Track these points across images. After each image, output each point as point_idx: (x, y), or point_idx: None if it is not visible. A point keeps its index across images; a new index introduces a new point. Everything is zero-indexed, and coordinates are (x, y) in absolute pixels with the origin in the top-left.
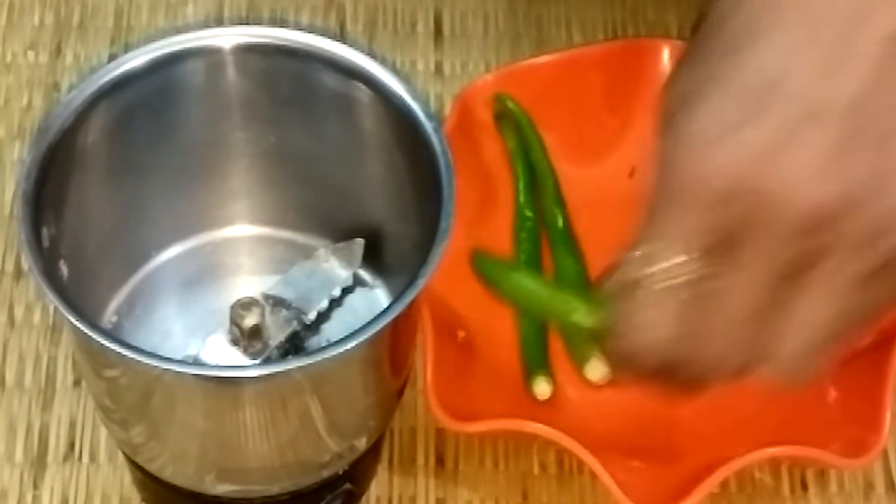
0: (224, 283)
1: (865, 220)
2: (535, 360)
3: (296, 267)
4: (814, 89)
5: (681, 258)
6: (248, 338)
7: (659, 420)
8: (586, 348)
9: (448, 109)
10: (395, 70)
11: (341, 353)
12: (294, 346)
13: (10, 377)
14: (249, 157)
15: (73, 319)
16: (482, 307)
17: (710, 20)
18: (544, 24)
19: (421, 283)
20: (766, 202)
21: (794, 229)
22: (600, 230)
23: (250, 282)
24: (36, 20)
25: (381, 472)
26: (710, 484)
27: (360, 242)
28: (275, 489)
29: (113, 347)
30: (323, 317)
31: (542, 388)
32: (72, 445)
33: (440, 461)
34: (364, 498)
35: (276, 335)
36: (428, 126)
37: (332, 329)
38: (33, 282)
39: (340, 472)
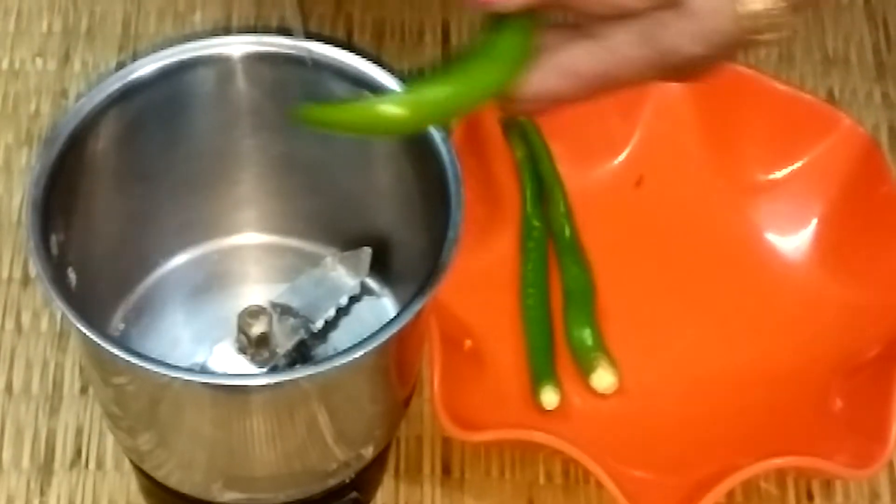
0: (232, 292)
1: None
2: (542, 369)
3: (303, 275)
4: None
5: None
6: (255, 346)
7: (665, 430)
8: (593, 358)
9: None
10: (402, 79)
11: (349, 362)
12: (301, 354)
13: (17, 384)
14: (257, 165)
15: (80, 327)
16: (489, 316)
17: None
18: None
19: (429, 292)
20: None
21: None
22: (608, 239)
23: (258, 290)
24: (44, 27)
25: (388, 480)
26: (717, 494)
27: (367, 251)
28: (281, 497)
29: (121, 355)
30: (330, 325)
31: (549, 397)
32: (79, 452)
33: (446, 470)
34: None
35: (284, 343)
36: (436, 135)
37: (340, 338)
38: (41, 288)
39: (347, 481)
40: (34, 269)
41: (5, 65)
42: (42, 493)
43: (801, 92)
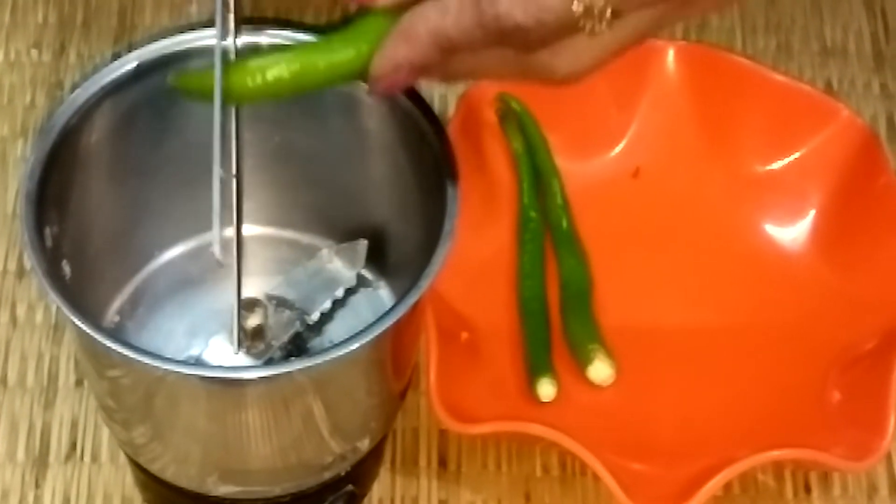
0: (227, 284)
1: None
2: (539, 361)
3: (299, 267)
4: None
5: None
6: (250, 338)
7: (662, 422)
8: (590, 350)
9: (452, 110)
10: None
11: (344, 354)
12: (297, 346)
13: (12, 377)
14: (253, 157)
15: (75, 319)
16: (486, 309)
17: None
18: None
19: (425, 284)
20: None
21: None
22: (605, 231)
23: (253, 282)
24: (39, 18)
25: (384, 473)
26: (714, 487)
27: (363, 243)
28: (277, 490)
29: (115, 348)
30: (326, 317)
31: (545, 389)
32: (74, 445)
33: (443, 463)
34: (366, 499)
35: (279, 336)
36: (432, 127)
37: (336, 330)
38: (36, 281)
39: (343, 474)
40: (28, 261)
41: (0, 56)
42: (37, 485)
43: (800, 83)
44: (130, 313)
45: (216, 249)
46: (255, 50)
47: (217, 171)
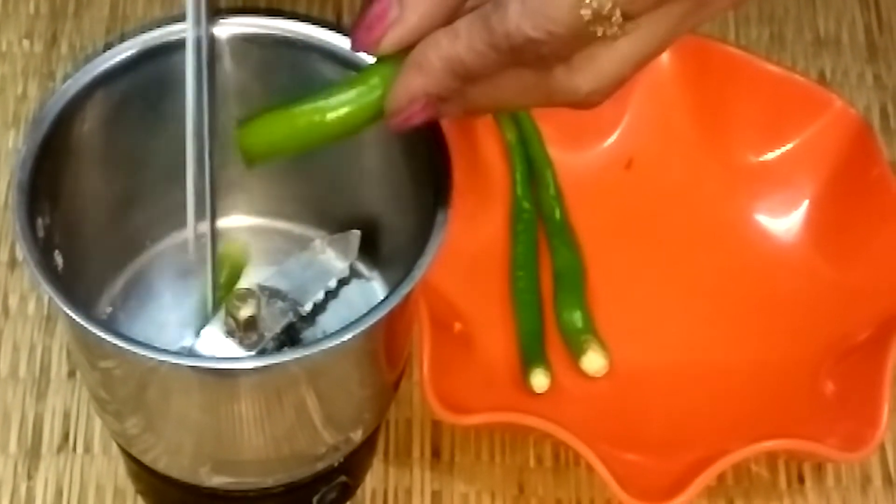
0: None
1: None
2: (533, 352)
3: (292, 258)
4: None
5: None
6: (243, 329)
7: (656, 413)
8: (584, 341)
9: None
10: None
11: (337, 345)
12: (290, 337)
13: (3, 367)
14: None
15: (67, 310)
16: (479, 299)
17: None
18: None
19: (417, 274)
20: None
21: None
22: (598, 222)
23: (246, 273)
24: (31, 9)
25: (377, 464)
26: (707, 477)
27: (356, 234)
28: (270, 481)
29: (107, 339)
30: (319, 308)
31: (539, 380)
32: (66, 436)
33: (436, 454)
34: (359, 490)
35: (272, 327)
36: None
37: (328, 321)
38: (28, 272)
39: (336, 465)
40: (20, 252)
41: None
42: (29, 477)
43: (793, 73)
44: (123, 304)
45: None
46: (248, 40)
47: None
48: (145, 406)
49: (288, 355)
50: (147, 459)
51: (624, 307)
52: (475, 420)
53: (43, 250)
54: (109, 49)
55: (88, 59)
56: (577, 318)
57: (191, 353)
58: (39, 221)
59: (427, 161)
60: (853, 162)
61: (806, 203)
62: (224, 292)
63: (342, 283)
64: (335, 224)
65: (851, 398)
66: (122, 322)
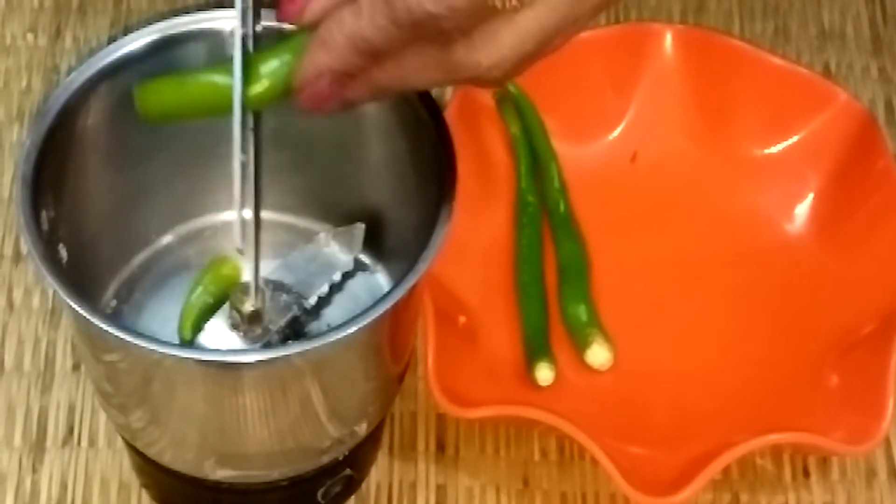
0: None
1: None
2: (538, 345)
3: (296, 251)
4: None
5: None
6: (248, 322)
7: (660, 406)
8: (588, 334)
9: (450, 93)
10: None
11: (342, 338)
12: (294, 330)
13: (8, 361)
14: None
15: (72, 303)
16: (483, 292)
17: None
18: None
19: (422, 267)
20: None
21: None
22: (602, 215)
23: (251, 266)
24: (35, 2)
25: (382, 457)
26: (712, 471)
27: (360, 227)
28: (274, 474)
29: (112, 332)
30: (323, 301)
31: (544, 373)
32: (71, 430)
33: (441, 447)
34: (364, 484)
35: (277, 320)
36: (429, 110)
37: (333, 314)
38: (32, 265)
39: (340, 458)
40: (25, 245)
41: None
42: (34, 470)
43: (798, 66)
44: (127, 297)
45: (236, 236)
46: (261, 41)
47: (238, 155)
48: (150, 399)
49: (292, 348)
50: (152, 453)
51: (628, 300)
52: (480, 413)
53: (47, 244)
54: (113, 42)
55: (92, 53)
56: (581, 311)
57: (195, 346)
58: (44, 215)
59: (432, 154)
60: (858, 155)
61: (811, 196)
62: (215, 308)
63: (347, 276)
64: (340, 217)
65: (856, 391)
66: (126, 315)
